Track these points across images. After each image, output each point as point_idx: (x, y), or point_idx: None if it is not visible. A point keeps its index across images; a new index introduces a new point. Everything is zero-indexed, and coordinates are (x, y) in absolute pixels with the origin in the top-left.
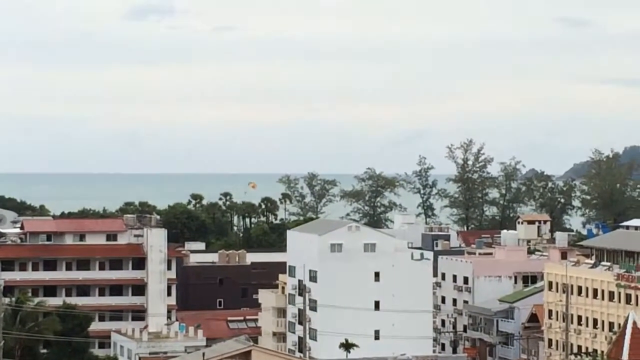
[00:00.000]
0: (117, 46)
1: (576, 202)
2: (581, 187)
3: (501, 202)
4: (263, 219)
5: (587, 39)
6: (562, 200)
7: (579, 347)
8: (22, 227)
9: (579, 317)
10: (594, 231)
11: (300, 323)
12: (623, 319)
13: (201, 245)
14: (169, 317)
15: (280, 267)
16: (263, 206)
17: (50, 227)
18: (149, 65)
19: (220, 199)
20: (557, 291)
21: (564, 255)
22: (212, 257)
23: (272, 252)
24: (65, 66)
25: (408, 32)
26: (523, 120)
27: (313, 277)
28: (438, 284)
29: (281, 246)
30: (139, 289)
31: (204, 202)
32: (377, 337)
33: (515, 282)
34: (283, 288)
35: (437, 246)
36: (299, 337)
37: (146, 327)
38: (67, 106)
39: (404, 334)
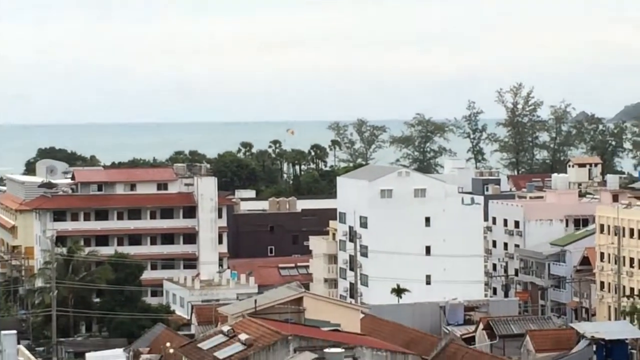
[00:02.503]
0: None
1: (627, 144)
2: (632, 129)
3: (551, 145)
4: (313, 166)
5: None
6: (613, 143)
7: (631, 289)
8: (73, 178)
9: (631, 260)
10: None
11: (351, 269)
12: None
13: (251, 193)
14: (220, 265)
15: (331, 213)
16: (312, 153)
17: (101, 177)
18: (199, 15)
19: (270, 146)
20: (608, 234)
21: (615, 198)
22: (262, 205)
23: (322, 198)
24: (117, 18)
25: None
26: (573, 64)
27: (363, 224)
28: (489, 229)
29: (331, 193)
30: (190, 237)
31: (254, 149)
32: (428, 282)
33: (567, 226)
34: (334, 234)
35: (487, 191)
36: (350, 283)
37: (198, 275)
38: (115, 57)
39: (455, 279)
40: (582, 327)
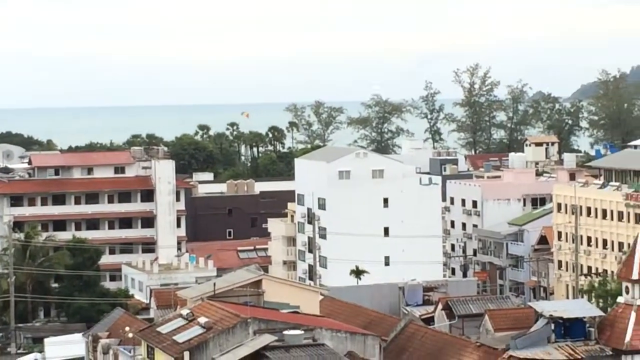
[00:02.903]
0: None
1: (584, 123)
2: (588, 107)
3: (508, 125)
4: (270, 148)
5: None
6: (570, 122)
7: (589, 267)
8: (29, 162)
9: (589, 238)
10: (602, 151)
11: (310, 251)
12: (632, 239)
13: (209, 176)
14: (179, 249)
15: (289, 195)
16: (270, 135)
17: (58, 162)
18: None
19: (227, 129)
20: (566, 212)
21: (572, 177)
22: (220, 188)
23: (281, 180)
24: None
25: None
26: (529, 44)
27: (322, 205)
28: (447, 209)
29: (289, 175)
30: (149, 221)
31: (211, 132)
32: (387, 263)
33: (524, 205)
34: (292, 216)
35: (445, 171)
36: (309, 265)
37: (156, 259)
38: (70, 41)
39: (414, 260)
40: (541, 306)
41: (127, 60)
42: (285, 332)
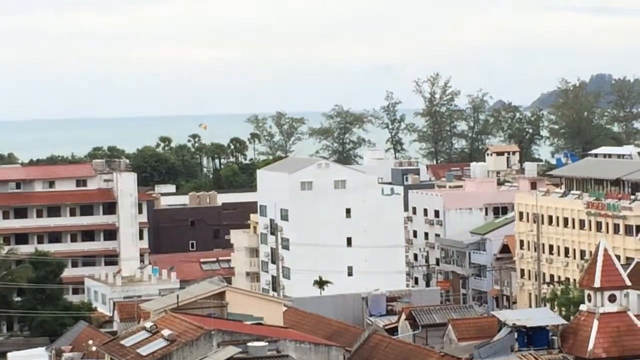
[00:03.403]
0: None
1: (544, 132)
2: (549, 116)
3: (469, 134)
4: (232, 159)
5: None
6: (531, 131)
7: (551, 276)
8: None
9: (550, 247)
10: (563, 160)
11: (273, 262)
12: (594, 247)
13: (171, 188)
14: (141, 261)
15: (251, 207)
16: (232, 147)
17: (19, 175)
18: (109, 7)
19: (189, 140)
20: (527, 221)
21: (533, 185)
22: (182, 200)
23: (243, 192)
24: (30, 10)
25: None
26: (489, 52)
27: (284, 216)
28: (409, 219)
29: (251, 186)
30: (111, 233)
31: (173, 144)
32: (350, 274)
33: (486, 214)
34: (255, 228)
35: (407, 181)
36: (273, 276)
37: (119, 271)
38: (31, 51)
39: (377, 270)
40: (504, 314)
41: (87, 71)
42: (249, 344)
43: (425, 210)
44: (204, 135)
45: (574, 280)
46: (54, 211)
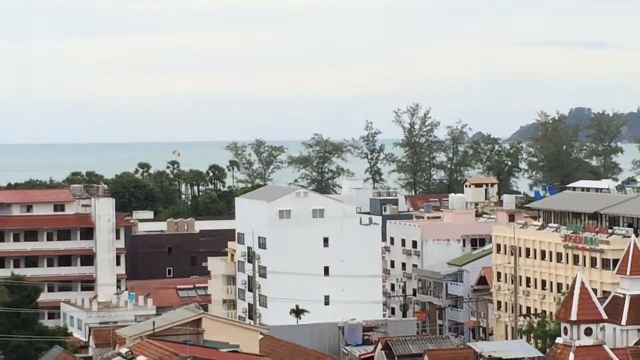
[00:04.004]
0: (59, 16)
1: (523, 165)
2: (528, 149)
3: (448, 165)
4: (211, 186)
5: (532, 1)
6: (509, 163)
7: (528, 308)
8: None
9: (528, 279)
10: (541, 193)
11: (250, 290)
12: (571, 280)
13: (149, 214)
14: (118, 287)
15: (229, 234)
16: (211, 174)
17: None
18: (90, 35)
19: (168, 167)
20: (505, 253)
21: (511, 218)
22: (160, 226)
23: (221, 219)
24: (6, 37)
25: None
26: (469, 84)
27: (262, 244)
28: (387, 249)
29: (230, 213)
30: (88, 259)
31: (152, 170)
32: (327, 303)
33: (464, 245)
34: (232, 255)
35: (385, 211)
36: (249, 304)
37: (96, 297)
38: (11, 77)
39: (354, 299)
40: (480, 346)
41: (65, 97)
42: None
43: (403, 241)
44: (182, 162)
45: (551, 312)
46: (31, 235)
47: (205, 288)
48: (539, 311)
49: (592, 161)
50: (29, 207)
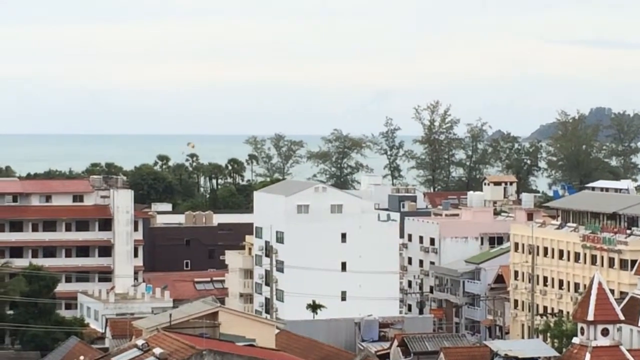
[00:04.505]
0: (83, 3)
1: (542, 164)
2: (547, 148)
3: (467, 163)
4: (230, 180)
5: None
6: (529, 162)
7: (545, 307)
8: None
9: (545, 278)
10: (560, 192)
11: (267, 284)
12: (588, 280)
13: (168, 207)
14: (135, 279)
15: (247, 228)
16: (229, 167)
17: (16, 188)
18: (114, 24)
19: (187, 160)
20: (523, 252)
21: (530, 217)
22: (178, 219)
23: (239, 213)
24: (30, 24)
25: None
26: (490, 82)
27: (280, 239)
28: (404, 245)
29: (248, 207)
30: (106, 250)
31: (171, 163)
32: (343, 298)
33: (482, 243)
34: (250, 249)
35: (403, 207)
36: (266, 298)
37: (113, 288)
38: (31, 65)
39: (371, 295)
40: (496, 345)
41: (88, 88)
42: None
43: (421, 238)
44: (201, 155)
45: (568, 312)
46: (50, 226)
47: (222, 281)
48: (555, 311)
49: (611, 161)
50: (48, 198)
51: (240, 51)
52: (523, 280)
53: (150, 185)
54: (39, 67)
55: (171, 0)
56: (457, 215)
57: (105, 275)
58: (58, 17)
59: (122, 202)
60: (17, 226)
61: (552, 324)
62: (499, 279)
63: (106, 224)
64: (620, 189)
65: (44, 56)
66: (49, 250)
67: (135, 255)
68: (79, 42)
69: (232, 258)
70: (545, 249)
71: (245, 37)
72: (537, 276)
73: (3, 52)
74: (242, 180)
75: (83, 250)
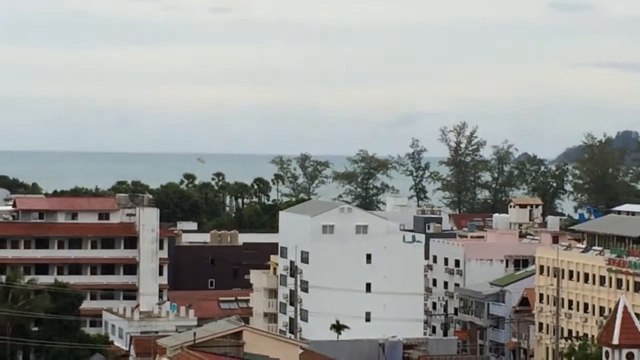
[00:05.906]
0: (112, 26)
1: (568, 187)
2: (573, 171)
3: (493, 185)
4: (255, 199)
5: (581, 23)
6: (554, 184)
7: (570, 331)
8: (14, 205)
9: (570, 301)
10: (586, 216)
11: (291, 304)
12: (614, 304)
13: (193, 225)
14: (160, 297)
15: (272, 247)
16: (255, 187)
17: (43, 205)
18: (142, 45)
19: (213, 179)
20: (548, 275)
21: (555, 240)
22: (204, 237)
23: (264, 232)
24: (59, 45)
25: (400, 14)
26: (516, 104)
27: (305, 258)
28: (429, 267)
29: (273, 227)
30: (131, 268)
31: (197, 182)
32: (368, 319)
33: (507, 266)
34: (274, 269)
35: (429, 229)
36: (290, 318)
37: (137, 306)
38: (61, 85)
39: (395, 316)
40: None
41: (113, 107)
42: None
43: (446, 260)
44: (227, 174)
45: (592, 336)
46: (75, 243)
47: (246, 301)
48: (580, 334)
49: (638, 185)
50: (74, 215)
51: (271, 72)
52: (548, 303)
53: (176, 203)
54: (66, 87)
55: (202, 25)
56: (482, 237)
57: (130, 293)
58: (86, 39)
59: (148, 220)
60: (43, 243)
61: (576, 348)
62: (524, 301)
63: (132, 242)
64: None
65: (71, 76)
66: (75, 268)
67: (160, 273)
68: (109, 64)
69: (257, 277)
70: (571, 272)
71: (276, 58)
72: (562, 299)
73: (30, 71)
74: (268, 200)
75: (108, 267)
